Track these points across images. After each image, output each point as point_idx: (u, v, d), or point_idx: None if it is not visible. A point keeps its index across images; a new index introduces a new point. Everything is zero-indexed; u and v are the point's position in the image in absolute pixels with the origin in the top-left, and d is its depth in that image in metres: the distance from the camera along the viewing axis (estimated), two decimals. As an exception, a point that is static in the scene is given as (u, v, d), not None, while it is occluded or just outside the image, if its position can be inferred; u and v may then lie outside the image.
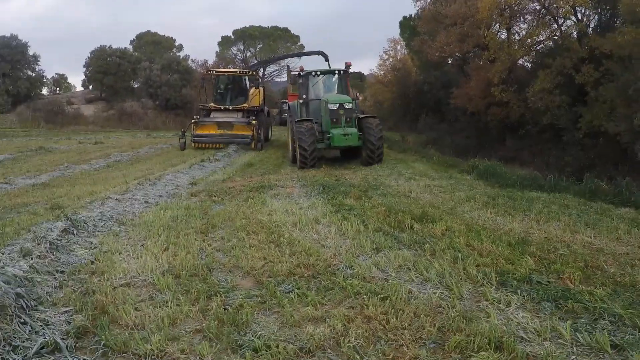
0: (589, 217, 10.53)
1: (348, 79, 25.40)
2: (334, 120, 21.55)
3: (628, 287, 6.42)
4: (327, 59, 34.56)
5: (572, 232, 9.16)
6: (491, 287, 6.39)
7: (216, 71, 38.73)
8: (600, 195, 13.13)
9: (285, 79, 44.95)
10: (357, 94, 25.37)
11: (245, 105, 33.83)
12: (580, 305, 5.80)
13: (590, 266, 7.10)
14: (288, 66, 42.55)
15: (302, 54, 52.29)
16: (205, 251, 8.47)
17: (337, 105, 21.55)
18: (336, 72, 24.96)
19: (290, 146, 24.30)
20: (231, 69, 38.16)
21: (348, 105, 21.69)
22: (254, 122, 31.31)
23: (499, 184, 15.38)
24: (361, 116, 22.75)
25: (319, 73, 24.81)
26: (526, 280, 6.60)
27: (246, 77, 36.41)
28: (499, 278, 6.67)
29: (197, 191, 14.93)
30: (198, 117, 33.03)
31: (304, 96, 24.00)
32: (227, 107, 33.50)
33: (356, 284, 6.53)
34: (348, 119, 21.60)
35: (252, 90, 35.27)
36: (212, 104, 34.32)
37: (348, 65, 25.50)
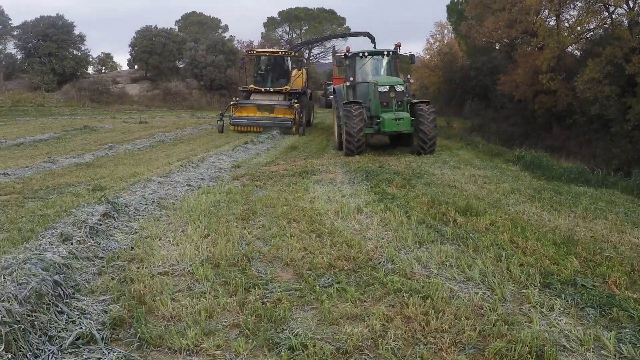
0: (637, 215, 10.25)
1: (398, 61, 24.26)
2: (385, 103, 20.52)
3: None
4: (373, 41, 33.71)
5: (619, 232, 8.89)
6: (534, 289, 6.19)
7: (257, 51, 37.36)
8: (650, 192, 12.84)
9: (331, 60, 41.24)
10: (408, 77, 23.69)
11: (287, 87, 32.72)
12: (625, 314, 5.58)
13: (637, 270, 6.83)
14: (334, 47, 40.67)
15: (347, 35, 50.14)
16: (245, 239, 8.40)
17: (388, 87, 20.49)
18: (385, 53, 23.33)
19: (336, 131, 23.22)
20: (273, 49, 37.74)
21: (399, 88, 20.60)
22: (295, 105, 30.47)
23: (545, 176, 15.13)
24: (414, 101, 21.45)
25: (366, 54, 23.13)
26: (570, 283, 6.38)
27: (288, 58, 34.77)
28: (542, 279, 6.46)
29: (239, 174, 14.94)
30: (237, 98, 32.51)
31: (351, 78, 22.87)
32: (267, 89, 32.53)
33: (397, 281, 6.39)
34: (399, 103, 20.53)
35: (294, 72, 34.00)
36: (252, 86, 33.36)
37: (398, 46, 23.84)
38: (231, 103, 31.66)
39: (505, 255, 7.26)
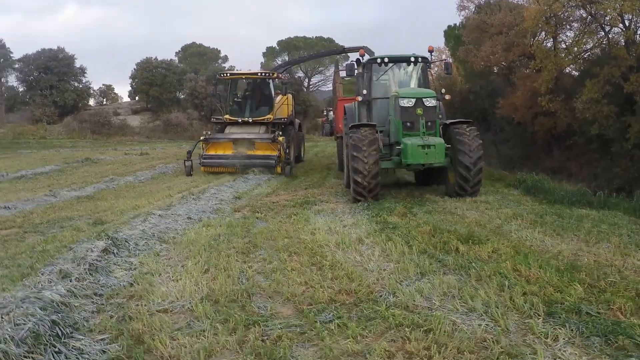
0: (641, 237, 10.21)
1: (429, 71, 19.03)
2: (408, 124, 15.19)
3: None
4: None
5: (623, 255, 8.83)
6: (538, 319, 6.11)
7: (231, 74, 30.55)
8: (652, 212, 12.78)
9: (331, 88, 35.75)
10: (443, 91, 17.31)
11: (269, 116, 26.88)
12: (631, 342, 5.49)
13: None
14: (336, 62, 37.10)
15: (341, 51, 40.20)
16: (245, 274, 8.32)
17: (414, 100, 15.18)
18: (412, 59, 17.42)
19: (345, 165, 18.06)
20: (251, 71, 30.10)
21: (430, 103, 15.29)
22: (280, 138, 24.54)
23: (547, 200, 15.06)
24: (449, 122, 16.23)
25: (386, 60, 17.30)
26: (575, 311, 6.28)
27: (270, 81, 28.72)
28: (546, 308, 6.37)
29: (240, 206, 14.88)
30: (208, 133, 26.80)
31: (364, 92, 17.18)
32: (246, 119, 26.76)
33: (399, 314, 6.30)
34: (430, 124, 15.24)
35: (278, 98, 28.28)
36: (227, 116, 27.67)
37: (430, 51, 18.81)
38: (201, 138, 25.94)
39: (508, 285, 7.18)
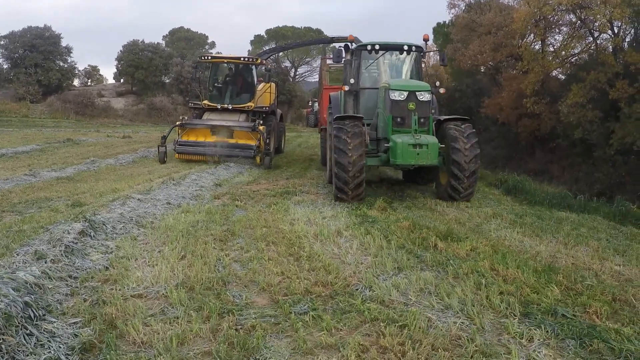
0: (619, 242, 10.29)
1: (424, 62, 17.69)
2: (399, 119, 14.01)
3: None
4: None
5: (601, 259, 8.87)
6: (514, 319, 6.09)
7: (213, 57, 28.82)
8: (631, 218, 12.86)
9: (317, 79, 32.39)
10: (437, 84, 15.92)
11: (250, 104, 25.38)
12: (605, 345, 5.49)
13: (619, 300, 6.78)
14: (324, 49, 36.14)
15: (329, 40, 36.83)
16: (222, 262, 8.25)
17: (406, 94, 13.92)
18: (406, 48, 15.93)
19: (328, 159, 17.08)
20: (233, 56, 27.54)
21: (424, 97, 14.01)
22: (261, 127, 23.13)
23: (528, 200, 15.12)
24: (443, 118, 15.17)
25: (377, 47, 15.89)
26: (551, 313, 6.28)
27: (253, 67, 26.83)
28: (522, 309, 6.36)
29: (220, 194, 14.78)
30: (185, 117, 25.05)
31: (352, 81, 15.89)
32: (225, 106, 25.21)
33: (374, 309, 6.26)
34: (422, 120, 14.03)
35: (260, 86, 26.93)
36: (206, 102, 26.08)
37: (425, 40, 16.91)
38: (177, 123, 24.07)
39: (485, 283, 7.17)
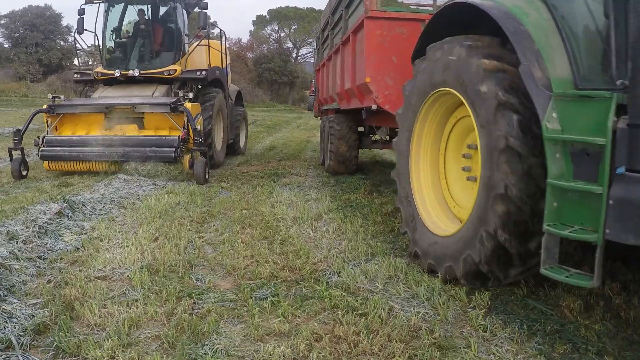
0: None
1: None
2: None
3: (632, 324, 5.62)
4: None
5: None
6: (481, 311, 5.81)
7: None
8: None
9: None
10: None
11: (174, 67, 15.88)
12: (572, 345, 5.13)
13: (595, 294, 6.36)
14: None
15: None
16: (194, 244, 8.15)
17: None
18: None
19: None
20: None
21: None
22: (188, 104, 13.80)
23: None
24: None
25: None
26: (521, 306, 6.00)
27: (180, 9, 17.30)
28: (491, 301, 6.09)
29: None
30: (59, 97, 15.28)
31: None
32: (129, 72, 15.63)
33: (337, 296, 6.07)
34: None
35: (194, 45, 17.31)
36: (99, 69, 16.75)
37: None
38: (43, 107, 14.88)
39: (456, 272, 6.99)
